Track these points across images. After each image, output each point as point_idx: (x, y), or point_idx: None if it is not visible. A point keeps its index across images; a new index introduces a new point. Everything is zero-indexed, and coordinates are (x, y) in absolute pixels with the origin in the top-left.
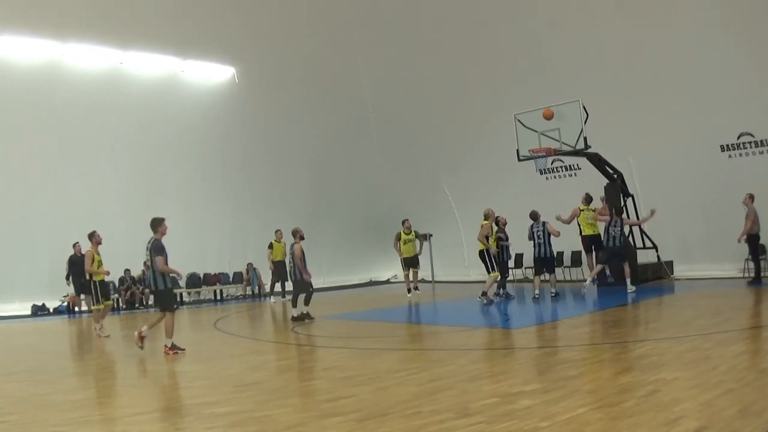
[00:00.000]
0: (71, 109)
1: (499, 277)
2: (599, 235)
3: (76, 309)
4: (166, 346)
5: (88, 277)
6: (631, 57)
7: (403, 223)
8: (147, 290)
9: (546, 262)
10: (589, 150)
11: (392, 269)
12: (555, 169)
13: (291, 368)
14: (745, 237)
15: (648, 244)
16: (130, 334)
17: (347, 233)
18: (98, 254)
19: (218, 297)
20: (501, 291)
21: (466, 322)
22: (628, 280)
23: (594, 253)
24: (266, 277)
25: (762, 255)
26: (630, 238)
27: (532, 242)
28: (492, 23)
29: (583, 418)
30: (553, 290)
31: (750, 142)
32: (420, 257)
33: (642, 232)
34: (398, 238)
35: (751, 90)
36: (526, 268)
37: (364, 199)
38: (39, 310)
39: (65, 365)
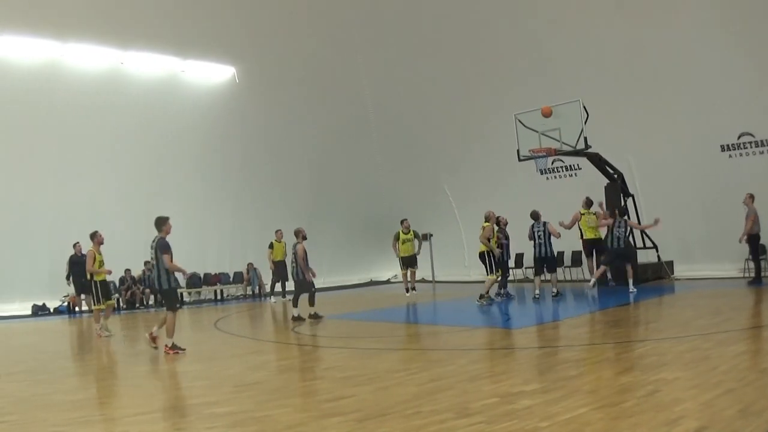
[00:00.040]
0: (71, 109)
1: (499, 278)
2: (600, 238)
3: (77, 309)
4: (166, 345)
5: (89, 277)
6: (631, 57)
7: (402, 222)
8: (148, 290)
9: (547, 261)
10: (589, 150)
11: (392, 269)
12: (555, 169)
13: (291, 368)
14: (745, 237)
15: (648, 244)
16: (131, 334)
17: (347, 233)
18: (100, 254)
19: (219, 297)
20: (502, 291)
21: (466, 322)
22: (631, 281)
23: (594, 256)
24: (267, 277)
25: (762, 255)
26: (630, 238)
27: (532, 242)
28: (492, 23)
29: (584, 418)
30: (555, 289)
31: (750, 142)
32: (419, 257)
33: (642, 231)
34: (397, 237)
35: (752, 90)
36: (526, 267)
37: (364, 199)
38: (39, 310)
39: (65, 365)
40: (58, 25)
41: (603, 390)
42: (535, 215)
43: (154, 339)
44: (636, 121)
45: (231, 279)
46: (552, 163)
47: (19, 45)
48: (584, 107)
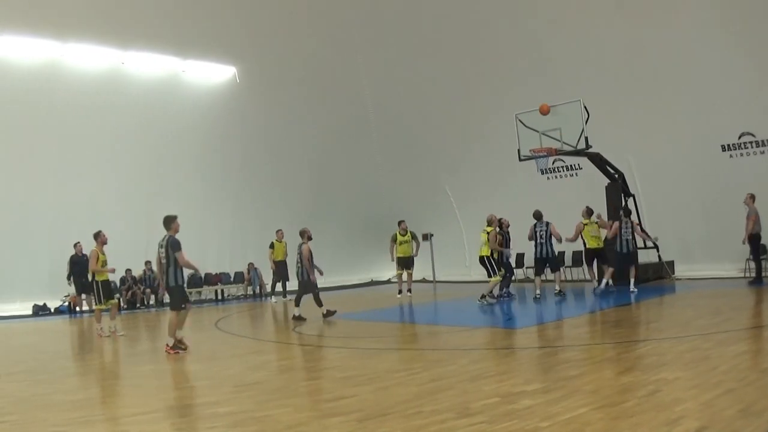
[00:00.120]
0: (71, 109)
1: (501, 279)
2: (602, 248)
3: (77, 309)
4: (167, 345)
5: (91, 276)
6: (632, 57)
7: (399, 224)
8: (149, 290)
9: (548, 262)
10: (590, 150)
11: (393, 269)
12: (556, 169)
13: (292, 368)
14: (745, 237)
15: (649, 244)
16: (131, 334)
17: (347, 233)
18: (103, 254)
19: (219, 297)
20: (504, 290)
21: (467, 322)
22: (632, 281)
23: (596, 263)
24: (267, 277)
25: (763, 255)
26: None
27: (533, 242)
28: (492, 23)
29: (584, 417)
30: (557, 288)
31: (751, 142)
32: (417, 258)
33: (643, 231)
34: (394, 239)
35: (752, 90)
36: (527, 267)
37: (364, 199)
38: (40, 310)
39: (66, 365)
40: (58, 25)
41: (604, 390)
42: (537, 215)
43: (180, 341)
44: (636, 121)
45: (232, 279)
46: (553, 162)
47: (19, 45)
48: (585, 107)
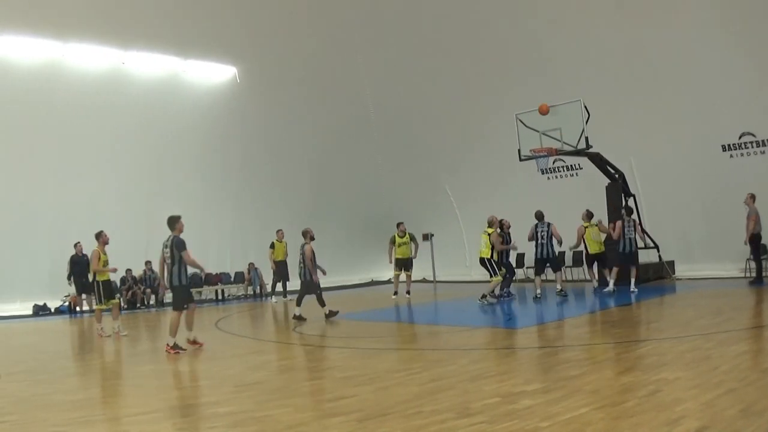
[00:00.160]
0: (72, 109)
1: (502, 279)
2: (604, 252)
3: (78, 309)
4: (168, 344)
5: (92, 276)
6: (632, 57)
7: (398, 226)
8: (149, 290)
9: (549, 262)
10: (590, 150)
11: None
12: (556, 169)
13: (292, 368)
14: (747, 237)
15: (649, 243)
16: (132, 333)
17: (348, 233)
18: (105, 254)
19: (220, 297)
20: (504, 291)
21: (467, 322)
22: (633, 280)
23: (596, 266)
24: (268, 277)
25: (764, 255)
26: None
27: (534, 242)
28: (492, 23)
29: (585, 417)
30: (559, 287)
31: (751, 142)
32: (418, 257)
33: (644, 231)
34: (393, 241)
35: (753, 90)
36: (527, 267)
37: (364, 198)
38: (40, 310)
39: (66, 365)
40: (59, 25)
41: (604, 390)
42: (539, 215)
43: (194, 342)
44: (637, 121)
45: (232, 279)
46: (553, 162)
47: (19, 45)
48: (585, 107)
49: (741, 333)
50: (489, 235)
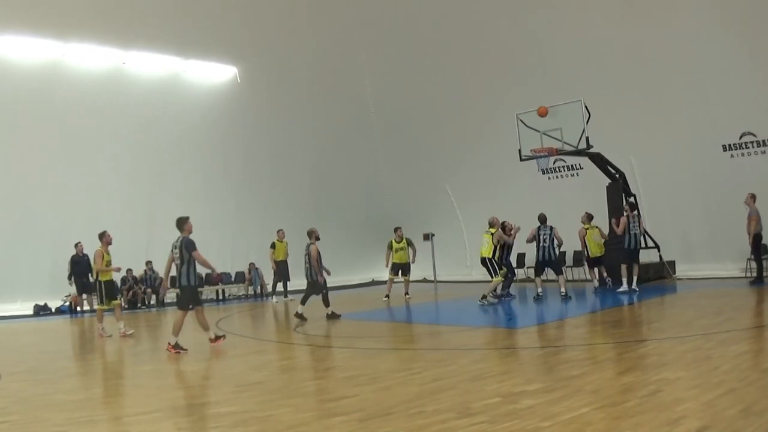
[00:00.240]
0: (72, 109)
1: (503, 279)
2: (603, 255)
3: (78, 309)
4: (169, 343)
5: (95, 276)
6: (632, 57)
7: (395, 231)
8: (149, 290)
9: (550, 265)
10: (591, 150)
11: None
12: (557, 169)
13: (293, 368)
14: (750, 237)
15: (650, 243)
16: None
17: (349, 233)
18: (108, 254)
19: (220, 297)
20: (505, 291)
21: (468, 322)
22: (635, 278)
23: (597, 267)
24: (268, 277)
25: (764, 255)
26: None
27: (536, 245)
28: (492, 23)
29: (586, 417)
30: (563, 290)
31: (752, 142)
32: (418, 256)
33: (644, 231)
34: (390, 246)
35: (753, 90)
36: (527, 267)
37: (364, 199)
38: (41, 310)
39: (67, 365)
40: (60, 25)
41: (605, 390)
42: (542, 218)
43: (216, 339)
44: (637, 121)
45: (233, 279)
46: (553, 162)
47: (20, 45)
48: (586, 107)
49: (741, 333)
50: (492, 235)
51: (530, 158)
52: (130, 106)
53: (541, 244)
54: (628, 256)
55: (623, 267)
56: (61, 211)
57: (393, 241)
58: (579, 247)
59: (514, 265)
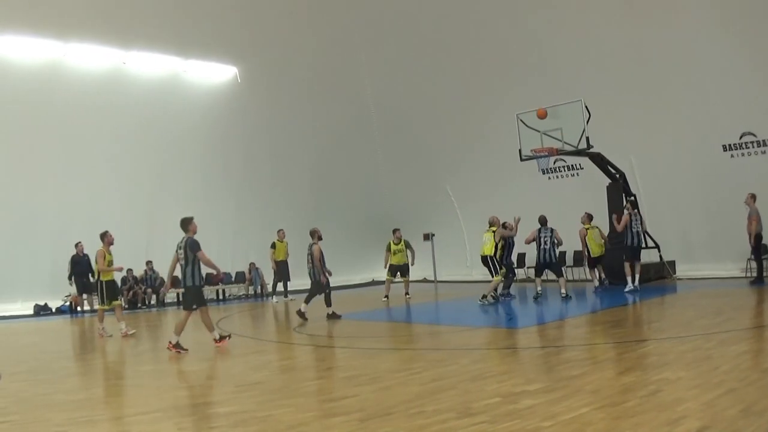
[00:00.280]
0: (72, 109)
1: (503, 279)
2: (603, 255)
3: (79, 309)
4: (170, 342)
5: (96, 276)
6: (632, 56)
7: (394, 232)
8: (150, 290)
9: (551, 267)
10: (591, 150)
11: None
12: (557, 169)
13: (293, 368)
14: (751, 238)
15: (650, 243)
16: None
17: (349, 233)
18: (110, 254)
19: (221, 297)
20: (504, 291)
21: (468, 322)
22: (637, 276)
23: (597, 267)
24: (269, 277)
25: (764, 254)
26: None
27: (537, 246)
28: (492, 23)
29: (586, 417)
30: (564, 291)
31: (752, 142)
32: (418, 256)
33: (645, 231)
34: (388, 248)
35: (753, 89)
36: (528, 267)
37: (364, 199)
38: (41, 310)
39: (67, 365)
40: (60, 25)
41: (605, 390)
42: (542, 220)
43: (221, 340)
44: (637, 121)
45: (233, 279)
46: (554, 162)
47: (20, 45)
48: (586, 107)
49: (742, 333)
50: (494, 233)
51: (530, 158)
52: (130, 106)
53: (541, 247)
54: (630, 253)
55: (626, 265)
56: (61, 211)
57: (391, 242)
58: (579, 247)
59: (515, 264)
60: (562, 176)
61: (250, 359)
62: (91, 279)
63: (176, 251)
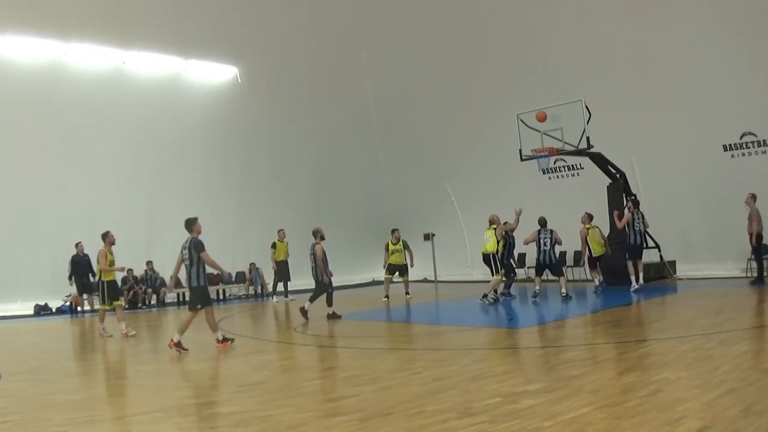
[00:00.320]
0: (73, 109)
1: (504, 278)
2: (603, 254)
3: (79, 309)
4: (172, 340)
5: (98, 276)
6: (633, 56)
7: (393, 232)
8: (150, 290)
9: (551, 268)
10: (591, 150)
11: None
12: (557, 169)
13: (293, 368)
14: (751, 237)
15: (651, 243)
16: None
17: (349, 233)
18: (111, 254)
19: (221, 297)
20: (505, 291)
21: (469, 322)
22: (641, 275)
23: (598, 266)
24: (269, 277)
25: (765, 254)
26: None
27: (537, 247)
28: (492, 23)
29: (586, 417)
30: (564, 291)
31: (753, 142)
32: (418, 256)
33: (645, 231)
34: (387, 248)
35: (754, 89)
36: (528, 267)
37: (365, 198)
38: (41, 310)
39: (67, 365)
40: (60, 25)
41: (605, 390)
42: (542, 222)
43: (223, 342)
44: (637, 121)
45: (233, 279)
46: (554, 162)
47: (21, 45)
48: (586, 107)
49: (742, 333)
50: (494, 230)
51: (531, 158)
52: (130, 106)
53: (541, 248)
54: (632, 251)
55: (629, 264)
56: (61, 211)
57: (390, 242)
58: (579, 247)
59: (515, 264)
60: (562, 176)
61: (251, 359)
62: (92, 279)
63: (181, 252)
